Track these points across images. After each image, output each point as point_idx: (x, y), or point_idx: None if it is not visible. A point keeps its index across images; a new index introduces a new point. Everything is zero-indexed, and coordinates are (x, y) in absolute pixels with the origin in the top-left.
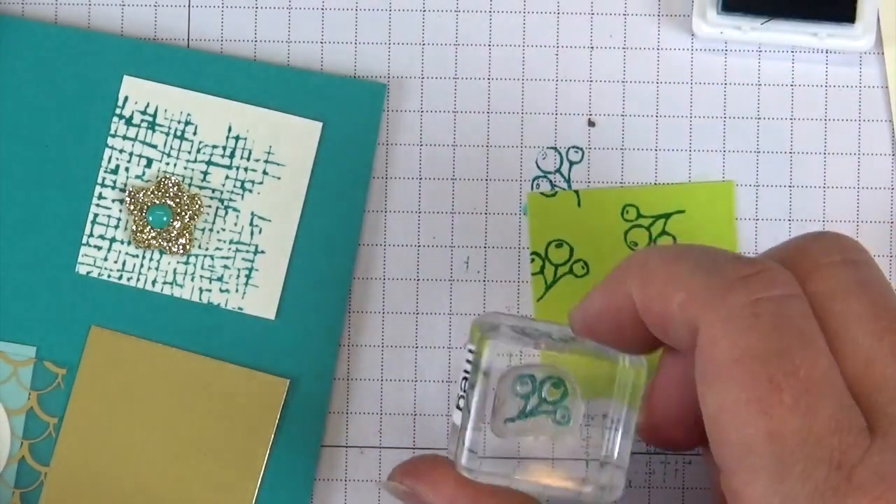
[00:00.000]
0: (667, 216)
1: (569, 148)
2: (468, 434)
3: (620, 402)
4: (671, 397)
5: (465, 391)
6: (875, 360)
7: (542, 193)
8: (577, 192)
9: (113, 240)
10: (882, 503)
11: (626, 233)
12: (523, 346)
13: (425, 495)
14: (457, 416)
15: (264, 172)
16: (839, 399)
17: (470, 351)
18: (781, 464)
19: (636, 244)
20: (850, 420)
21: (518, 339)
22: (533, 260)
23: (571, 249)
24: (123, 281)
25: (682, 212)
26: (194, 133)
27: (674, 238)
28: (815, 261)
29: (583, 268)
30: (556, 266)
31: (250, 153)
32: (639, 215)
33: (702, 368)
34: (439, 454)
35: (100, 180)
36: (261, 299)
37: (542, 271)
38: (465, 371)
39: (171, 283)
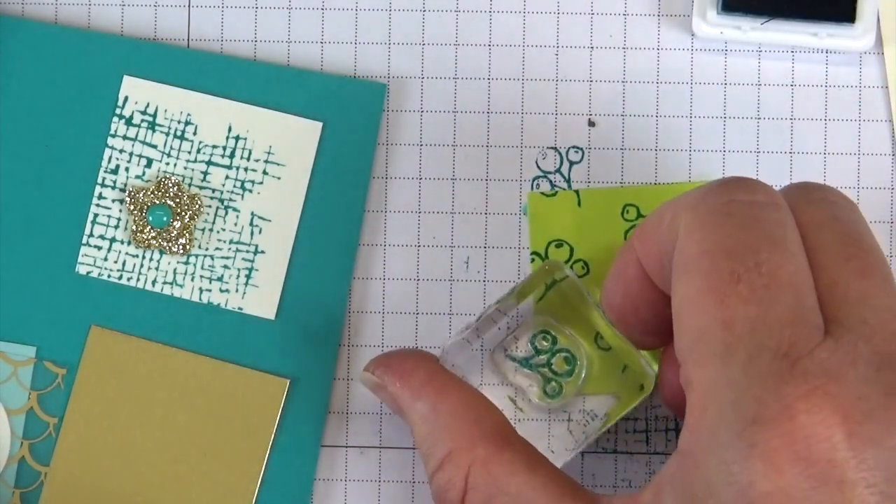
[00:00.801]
0: None
1: (569, 148)
2: (474, 329)
3: (601, 413)
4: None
5: (499, 302)
6: (839, 280)
7: (542, 193)
8: (577, 192)
9: (113, 240)
10: (820, 393)
11: (626, 233)
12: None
13: (393, 385)
14: (473, 319)
15: (264, 172)
16: (800, 298)
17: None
18: (729, 349)
19: None
20: (806, 317)
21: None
22: (533, 260)
23: (571, 249)
24: (123, 281)
25: None
26: (194, 133)
27: None
28: (798, 199)
29: (583, 268)
30: None
31: (250, 153)
32: (639, 215)
33: (675, 264)
34: (412, 348)
35: (100, 180)
36: (261, 299)
37: None
38: (510, 292)
39: (171, 283)
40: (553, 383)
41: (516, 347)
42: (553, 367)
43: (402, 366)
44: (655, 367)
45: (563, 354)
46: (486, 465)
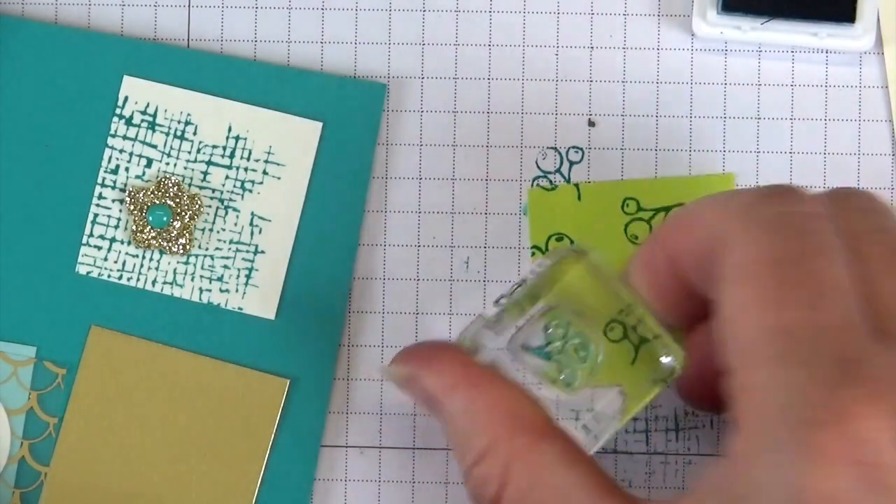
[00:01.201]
0: (667, 209)
1: (569, 148)
2: (493, 316)
3: (620, 403)
4: (707, 359)
5: (512, 293)
6: (886, 290)
7: (541, 188)
8: (577, 185)
9: (113, 240)
10: (875, 397)
11: (626, 226)
12: (604, 281)
13: (427, 379)
14: (490, 310)
15: (264, 172)
16: (852, 304)
17: (538, 265)
18: (786, 354)
19: (637, 238)
20: (858, 324)
21: (602, 273)
22: (533, 254)
23: (572, 243)
24: (123, 281)
25: (682, 205)
26: (194, 133)
27: None
28: (843, 208)
29: None
30: None
31: (250, 153)
32: (639, 208)
33: (722, 273)
34: (441, 340)
35: (100, 180)
36: (261, 299)
37: None
38: (523, 280)
39: (171, 283)
40: (566, 371)
41: (531, 336)
42: (567, 352)
43: (433, 359)
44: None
45: (577, 341)
46: (526, 458)
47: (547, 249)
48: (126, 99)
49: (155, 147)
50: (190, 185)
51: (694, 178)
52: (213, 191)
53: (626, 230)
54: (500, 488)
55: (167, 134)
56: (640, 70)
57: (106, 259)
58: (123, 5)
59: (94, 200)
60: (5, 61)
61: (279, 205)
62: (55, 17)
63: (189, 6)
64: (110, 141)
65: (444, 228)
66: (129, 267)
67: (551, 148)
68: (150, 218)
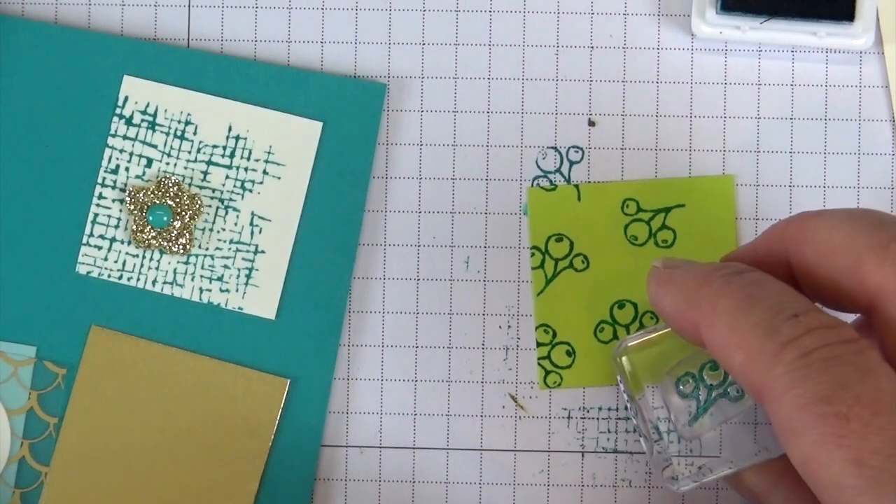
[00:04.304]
0: (667, 210)
1: (569, 148)
2: (668, 453)
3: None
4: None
5: (637, 424)
6: None
7: (541, 188)
8: (577, 186)
9: (113, 240)
10: None
11: (626, 227)
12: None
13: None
14: (646, 445)
15: (264, 172)
16: None
17: (621, 385)
18: (874, 484)
19: (636, 238)
20: None
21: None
22: (533, 254)
23: (571, 243)
24: (123, 281)
25: (682, 206)
26: (194, 133)
27: (674, 232)
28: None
29: (583, 262)
30: (557, 260)
31: (250, 153)
32: (639, 209)
33: (778, 429)
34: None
35: (100, 180)
36: (261, 299)
37: (542, 265)
38: (626, 405)
39: (171, 283)
40: (730, 389)
41: (684, 413)
42: (713, 384)
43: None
44: None
45: (707, 367)
46: None
47: (547, 250)
48: (126, 99)
49: (155, 147)
50: (190, 184)
51: (694, 179)
52: (213, 191)
53: (625, 231)
54: None
55: (167, 134)
56: (640, 70)
57: (106, 259)
58: (123, 5)
59: (94, 200)
60: (5, 61)
61: (279, 205)
62: (55, 17)
63: (189, 6)
64: (110, 141)
65: (444, 228)
66: (129, 267)
67: (551, 148)
68: (150, 218)
